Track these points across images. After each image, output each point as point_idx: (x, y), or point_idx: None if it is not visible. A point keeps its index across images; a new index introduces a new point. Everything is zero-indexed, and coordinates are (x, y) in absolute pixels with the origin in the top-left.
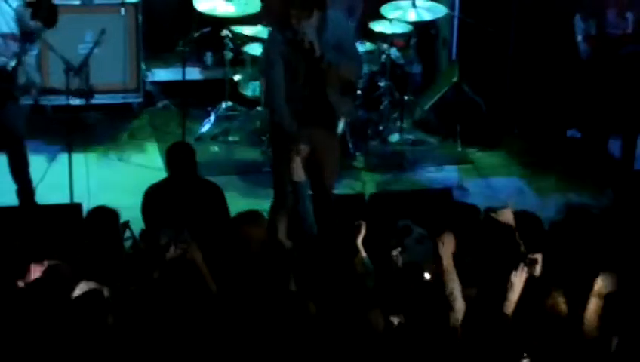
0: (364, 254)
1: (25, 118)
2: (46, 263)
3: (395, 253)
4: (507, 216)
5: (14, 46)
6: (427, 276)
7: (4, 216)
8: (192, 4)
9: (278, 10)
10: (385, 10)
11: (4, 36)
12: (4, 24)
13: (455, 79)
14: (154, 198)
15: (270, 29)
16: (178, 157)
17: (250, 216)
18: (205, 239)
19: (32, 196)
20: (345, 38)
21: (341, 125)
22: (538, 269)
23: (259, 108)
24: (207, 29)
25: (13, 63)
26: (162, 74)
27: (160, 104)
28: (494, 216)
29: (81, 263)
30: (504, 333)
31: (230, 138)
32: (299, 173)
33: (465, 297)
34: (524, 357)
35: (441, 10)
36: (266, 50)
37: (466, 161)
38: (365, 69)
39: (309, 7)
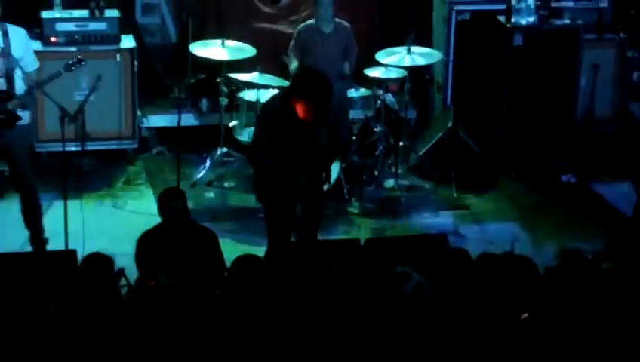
0: None
1: (31, 152)
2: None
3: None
4: None
5: (1, 62)
6: None
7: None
8: (187, 50)
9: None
10: (379, 55)
11: None
12: None
13: (450, 124)
14: (147, 245)
15: (273, 97)
16: (170, 203)
17: (248, 261)
18: (200, 284)
19: (43, 244)
20: (341, 111)
21: (335, 173)
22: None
23: None
24: (203, 76)
25: (2, 80)
26: (157, 120)
27: (155, 150)
28: None
29: (76, 310)
30: None
31: (225, 184)
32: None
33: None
34: None
35: (435, 56)
36: (262, 114)
37: (462, 207)
38: (360, 114)
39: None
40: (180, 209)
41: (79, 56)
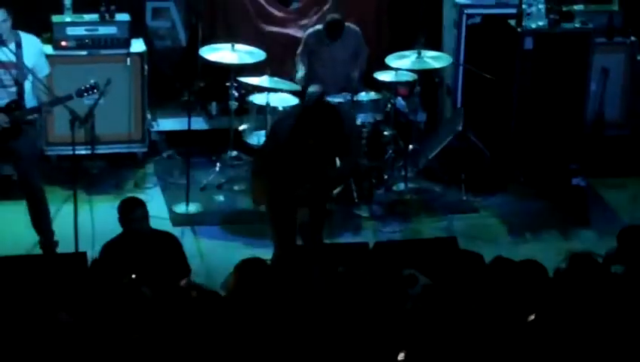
0: None
1: (38, 158)
2: None
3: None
4: None
5: (13, 73)
6: None
7: (10, 265)
8: (197, 54)
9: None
10: (389, 59)
11: (4, 65)
12: (2, 54)
13: (459, 127)
14: (110, 256)
15: (286, 116)
16: (131, 213)
17: (253, 264)
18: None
19: (53, 247)
20: (349, 131)
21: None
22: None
23: None
24: (212, 79)
25: (14, 90)
26: (167, 123)
27: (165, 153)
28: None
29: (85, 311)
30: None
31: (235, 187)
32: (303, 215)
33: None
34: None
35: (445, 60)
36: (273, 131)
37: (471, 210)
38: (370, 118)
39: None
40: (140, 218)
41: (93, 84)
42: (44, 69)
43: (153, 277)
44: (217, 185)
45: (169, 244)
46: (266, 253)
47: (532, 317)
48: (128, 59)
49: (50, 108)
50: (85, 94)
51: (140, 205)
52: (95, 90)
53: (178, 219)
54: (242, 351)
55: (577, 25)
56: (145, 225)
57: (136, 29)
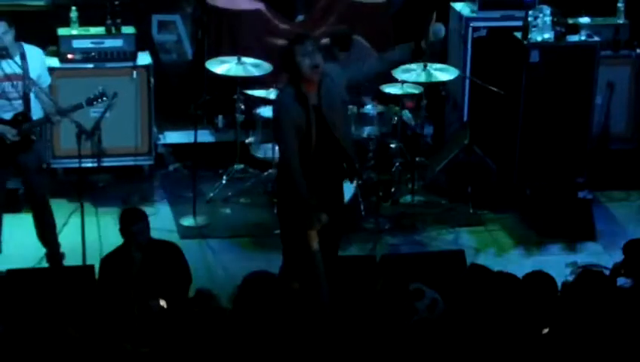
0: None
1: (44, 170)
2: None
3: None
4: None
5: (19, 85)
6: None
7: (18, 278)
8: (203, 67)
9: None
10: (396, 72)
11: (9, 77)
12: (7, 66)
13: (466, 141)
14: (110, 268)
15: (279, 92)
16: (132, 225)
17: (261, 277)
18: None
19: (60, 260)
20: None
21: (351, 189)
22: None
23: (270, 171)
24: (219, 92)
25: (20, 102)
26: (174, 136)
27: (171, 166)
28: None
29: (93, 325)
30: None
31: (242, 200)
32: (314, 243)
33: None
34: None
35: (451, 73)
36: (278, 116)
37: (478, 223)
38: (376, 130)
39: None
40: (143, 230)
41: (102, 91)
42: (46, 80)
43: (157, 288)
44: (224, 198)
45: (170, 254)
46: (273, 266)
47: (546, 330)
48: (134, 73)
49: (60, 117)
50: (95, 102)
51: (144, 217)
52: (104, 98)
53: (185, 232)
54: None
55: (583, 38)
56: (146, 236)
57: (143, 42)
